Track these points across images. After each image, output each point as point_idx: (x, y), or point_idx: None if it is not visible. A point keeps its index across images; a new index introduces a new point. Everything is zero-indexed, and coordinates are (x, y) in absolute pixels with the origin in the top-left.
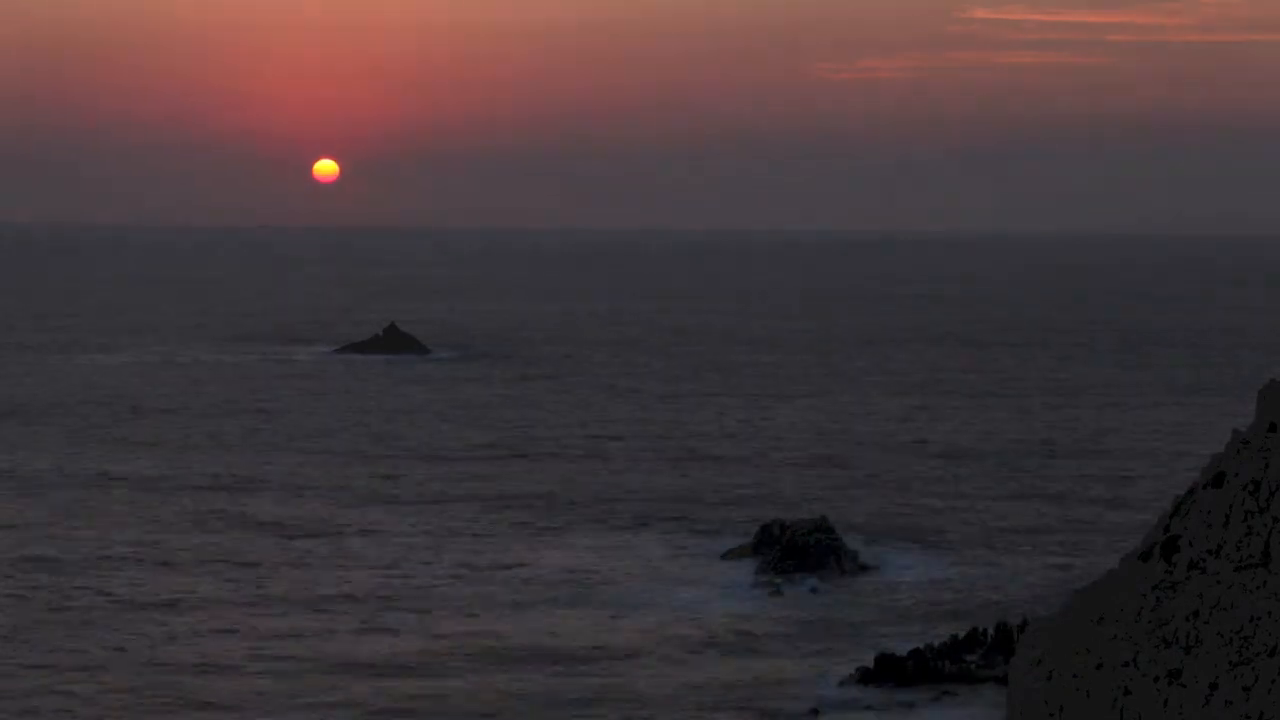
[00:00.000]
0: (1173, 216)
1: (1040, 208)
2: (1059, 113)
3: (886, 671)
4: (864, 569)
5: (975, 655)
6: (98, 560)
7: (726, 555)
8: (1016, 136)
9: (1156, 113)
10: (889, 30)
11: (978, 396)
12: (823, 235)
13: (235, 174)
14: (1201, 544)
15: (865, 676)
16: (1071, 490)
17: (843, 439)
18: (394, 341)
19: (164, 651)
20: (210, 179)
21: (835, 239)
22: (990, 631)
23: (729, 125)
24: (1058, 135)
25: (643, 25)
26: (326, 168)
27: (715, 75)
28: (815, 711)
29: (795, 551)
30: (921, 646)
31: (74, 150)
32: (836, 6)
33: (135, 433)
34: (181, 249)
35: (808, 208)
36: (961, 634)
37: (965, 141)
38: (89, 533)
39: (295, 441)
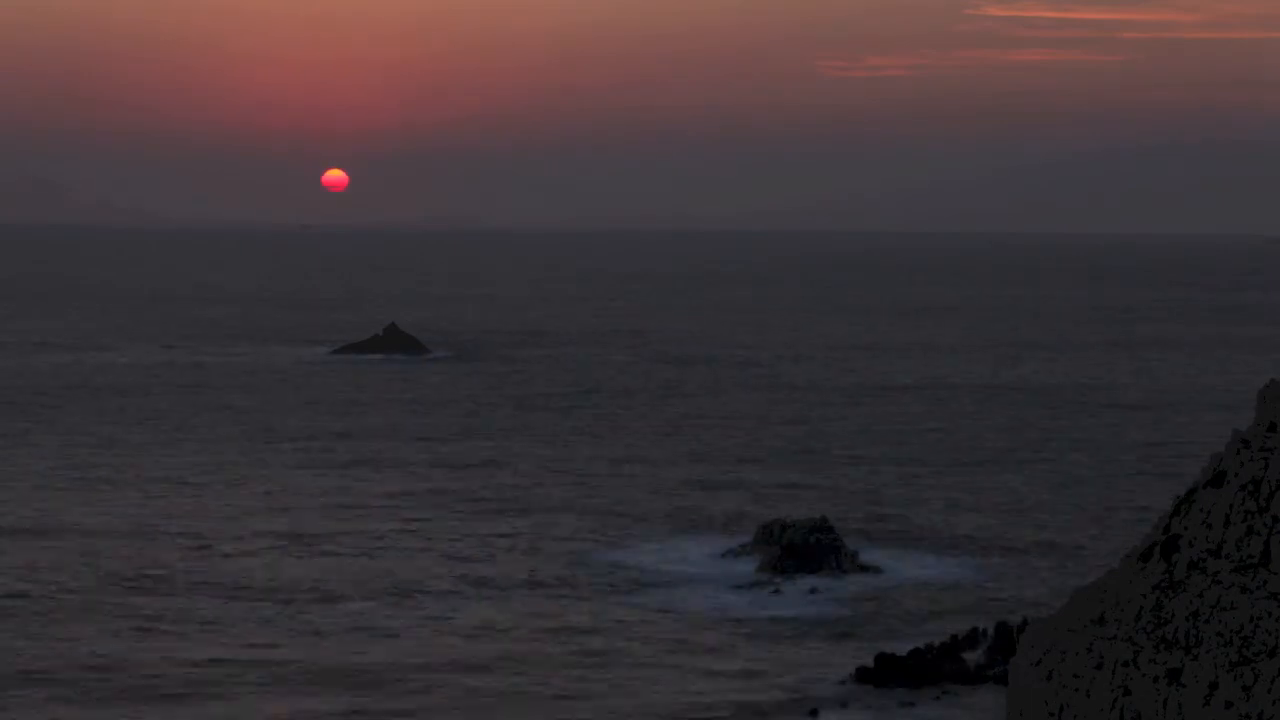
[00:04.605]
0: (1178, 213)
1: (1045, 206)
2: (1070, 110)
3: (886, 671)
4: (864, 569)
5: (975, 655)
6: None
7: (726, 555)
8: (1022, 135)
9: (1166, 109)
10: (897, 27)
11: (978, 396)
12: (826, 235)
13: (240, 175)
14: (1201, 544)
15: (865, 676)
16: (1071, 490)
17: (844, 439)
18: (394, 341)
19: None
20: (214, 179)
21: (842, 238)
22: (990, 631)
23: (732, 124)
24: (1065, 134)
25: (649, 26)
26: (336, 176)
27: (719, 73)
28: (815, 712)
29: (795, 551)
30: (921, 646)
31: (79, 150)
32: (843, 4)
33: (131, 430)
34: (185, 250)
35: (809, 206)
36: (961, 634)
37: (972, 139)
38: (70, 518)
39: (292, 440)
